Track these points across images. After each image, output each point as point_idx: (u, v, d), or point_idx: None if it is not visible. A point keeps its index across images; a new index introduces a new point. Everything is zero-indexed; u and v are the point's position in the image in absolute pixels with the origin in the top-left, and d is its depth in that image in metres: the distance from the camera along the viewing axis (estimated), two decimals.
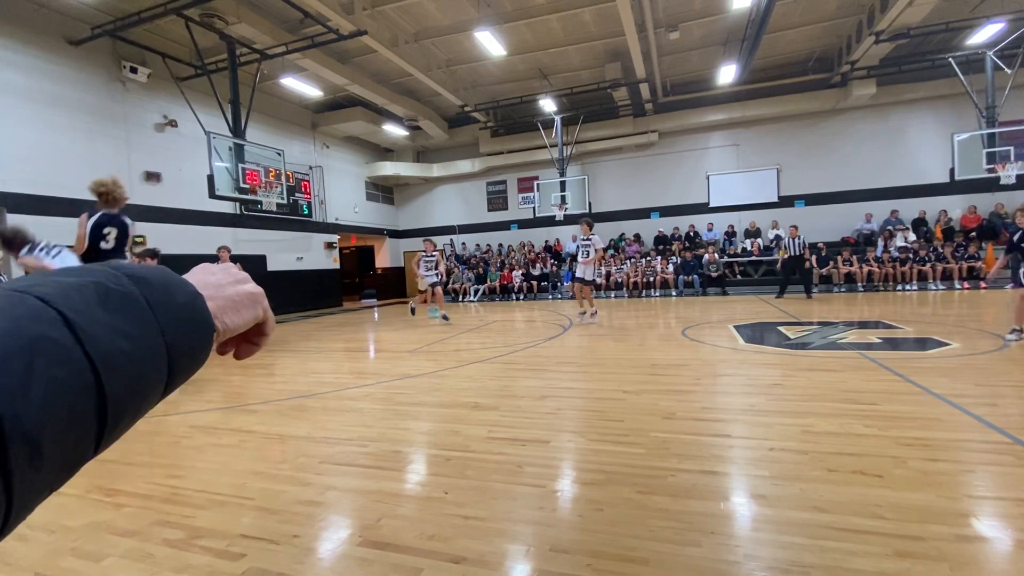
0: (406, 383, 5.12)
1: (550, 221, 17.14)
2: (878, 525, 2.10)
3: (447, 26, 12.09)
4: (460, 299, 17.06)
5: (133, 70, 10.73)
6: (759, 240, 15.59)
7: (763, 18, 9.80)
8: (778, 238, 15.19)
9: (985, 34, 11.82)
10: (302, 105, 15.91)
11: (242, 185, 10.00)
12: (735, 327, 7.82)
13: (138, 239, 7.71)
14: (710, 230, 16.48)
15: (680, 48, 13.63)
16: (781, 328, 7.44)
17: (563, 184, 16.13)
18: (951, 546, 1.93)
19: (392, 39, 11.75)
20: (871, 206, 15.19)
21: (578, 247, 9.26)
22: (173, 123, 11.70)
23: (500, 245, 19.04)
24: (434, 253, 10.35)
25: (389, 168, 19.11)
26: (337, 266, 17.43)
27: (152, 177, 11.24)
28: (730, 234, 16.23)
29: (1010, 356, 5.06)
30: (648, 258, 15.96)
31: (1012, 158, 11.64)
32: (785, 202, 16.13)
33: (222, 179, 9.77)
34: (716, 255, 14.88)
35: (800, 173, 16.01)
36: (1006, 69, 11.87)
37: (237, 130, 10.45)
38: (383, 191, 20.48)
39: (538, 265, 17.06)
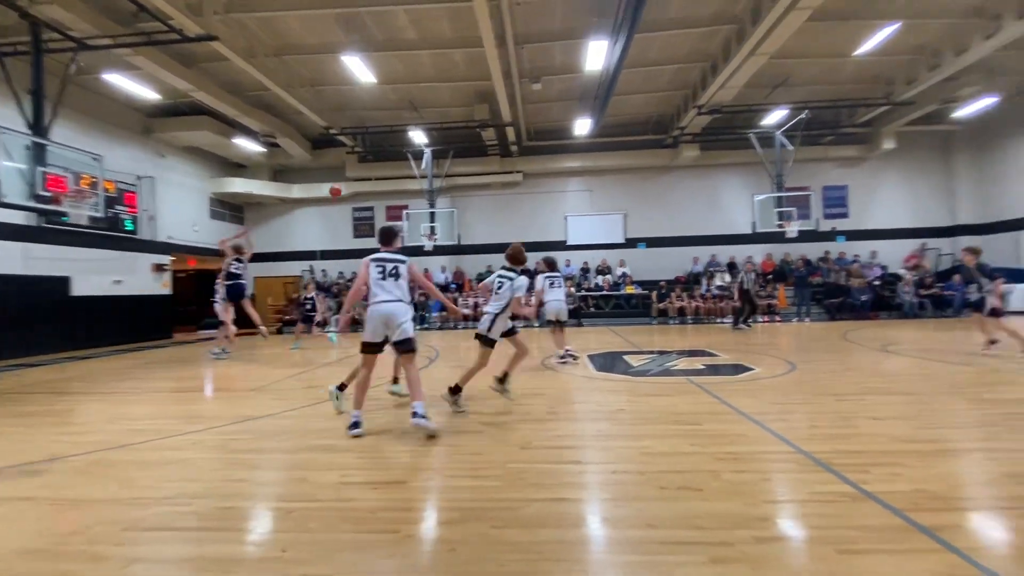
0: (246, 427, 4.57)
1: (419, 251, 16.97)
2: (698, 535, 2.37)
3: (312, 45, 11.61)
4: (322, 329, 15.91)
5: None
6: (609, 276, 17.19)
7: (611, 82, 11.11)
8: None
9: (774, 117, 14.77)
10: (132, 107, 13.88)
11: (41, 192, 8.27)
12: (588, 356, 8.42)
13: None
14: (568, 266, 17.74)
15: (542, 98, 14.77)
16: (626, 357, 8.20)
17: (432, 215, 16.18)
18: (752, 548, 2.25)
19: (248, 49, 10.92)
20: (697, 250, 17.72)
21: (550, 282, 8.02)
22: None
23: None
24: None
25: (239, 185, 17.40)
26: (168, 291, 15.18)
27: None
28: (585, 270, 17.66)
29: (797, 379, 6.17)
30: None
31: (795, 217, 14.55)
32: (630, 243, 18.08)
33: (12, 183, 8.00)
34: (573, 289, 16.02)
35: (642, 219, 18.14)
36: (788, 146, 14.93)
37: (38, 127, 8.70)
38: (231, 210, 18.53)
39: None
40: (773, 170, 15.21)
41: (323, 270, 18.68)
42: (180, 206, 15.78)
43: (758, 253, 17.43)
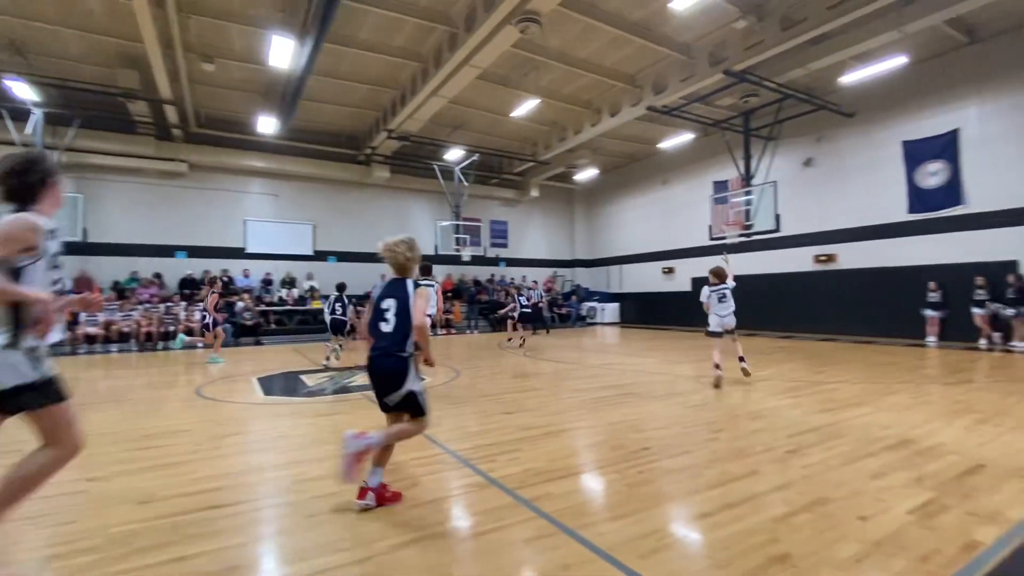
0: None
1: None
2: (341, 558, 2.34)
3: None
4: None
5: None
6: (295, 290, 16.06)
7: (298, 85, 10.51)
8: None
9: (454, 154, 16.74)
10: None
11: None
12: (259, 379, 7.57)
13: None
14: (246, 276, 15.75)
15: (217, 82, 12.80)
16: (303, 377, 7.74)
17: None
18: (386, 557, 2.36)
19: None
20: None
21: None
22: None
23: None
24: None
25: None
26: None
27: None
28: (267, 282, 16.01)
29: (460, 384, 6.99)
30: (169, 304, 13.64)
31: (468, 243, 16.77)
32: (320, 256, 17.39)
33: None
34: (252, 303, 14.27)
35: (333, 232, 17.71)
36: (464, 182, 17.17)
37: None
38: None
39: None
40: (453, 200, 17.19)
41: None
42: None
43: (440, 273, 19.29)
